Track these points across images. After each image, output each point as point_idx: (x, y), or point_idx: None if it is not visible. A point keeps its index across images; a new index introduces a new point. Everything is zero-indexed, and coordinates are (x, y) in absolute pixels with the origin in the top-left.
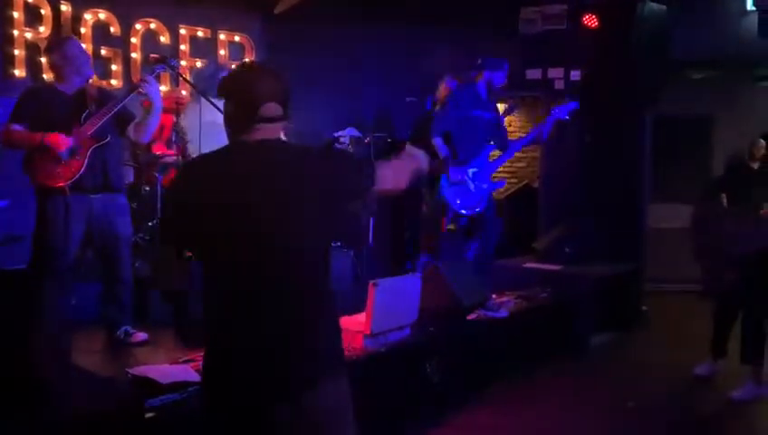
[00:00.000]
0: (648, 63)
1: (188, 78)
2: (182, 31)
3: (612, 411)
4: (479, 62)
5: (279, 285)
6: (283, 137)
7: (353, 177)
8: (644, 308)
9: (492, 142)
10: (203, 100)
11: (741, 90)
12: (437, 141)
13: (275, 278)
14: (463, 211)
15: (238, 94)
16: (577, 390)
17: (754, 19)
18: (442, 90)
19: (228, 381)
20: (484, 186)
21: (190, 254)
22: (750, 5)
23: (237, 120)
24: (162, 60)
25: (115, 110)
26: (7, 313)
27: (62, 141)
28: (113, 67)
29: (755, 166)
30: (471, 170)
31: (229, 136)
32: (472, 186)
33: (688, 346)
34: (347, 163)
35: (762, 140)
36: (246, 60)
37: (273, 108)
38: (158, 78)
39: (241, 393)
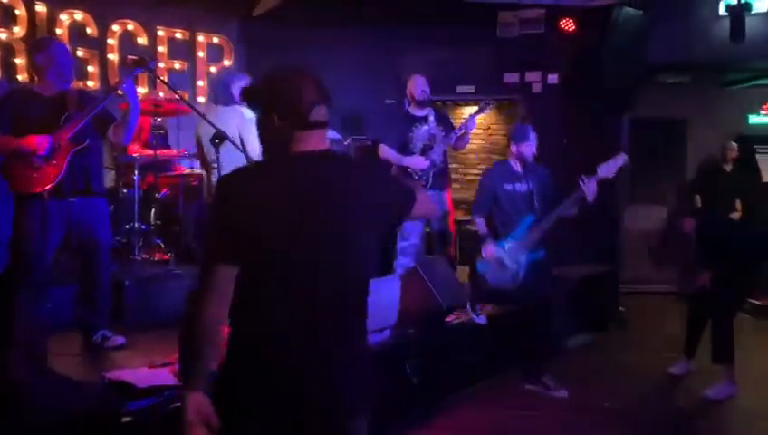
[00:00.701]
0: (624, 67)
1: (166, 79)
2: (160, 32)
3: (589, 412)
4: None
5: (335, 306)
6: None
7: (401, 196)
8: (621, 309)
9: (531, 214)
10: (219, 107)
11: (713, 93)
12: (478, 221)
13: (332, 298)
14: (500, 286)
15: (283, 99)
16: None
17: (726, 24)
18: (410, 87)
19: (274, 395)
20: (522, 259)
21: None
22: (722, 11)
23: (282, 130)
24: (140, 62)
25: (94, 112)
26: None
27: (39, 143)
28: (90, 69)
29: (728, 168)
30: (507, 245)
31: (271, 149)
32: (507, 260)
33: (664, 346)
34: (395, 182)
35: (733, 143)
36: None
37: (323, 111)
38: (135, 80)
39: (287, 408)
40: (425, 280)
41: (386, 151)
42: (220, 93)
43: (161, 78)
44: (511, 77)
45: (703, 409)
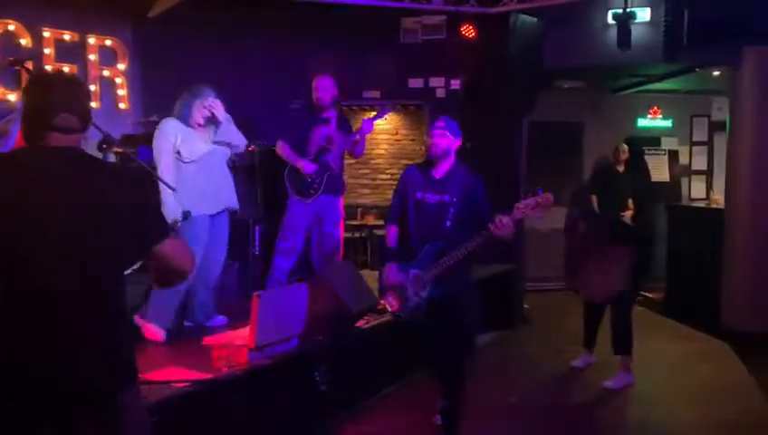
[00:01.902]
0: (522, 72)
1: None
2: (46, 33)
3: (496, 408)
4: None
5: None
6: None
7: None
8: (525, 307)
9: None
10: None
11: (606, 98)
12: (388, 230)
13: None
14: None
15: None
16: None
17: (615, 32)
18: (315, 88)
19: (32, 389)
20: (423, 293)
21: None
22: (610, 20)
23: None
24: (16, 61)
25: None
26: None
27: None
28: None
29: (620, 169)
30: (411, 271)
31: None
32: (409, 290)
33: (567, 341)
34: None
35: (624, 145)
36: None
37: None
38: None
39: (45, 400)
40: (333, 286)
41: (282, 149)
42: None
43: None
44: (415, 82)
45: (603, 398)
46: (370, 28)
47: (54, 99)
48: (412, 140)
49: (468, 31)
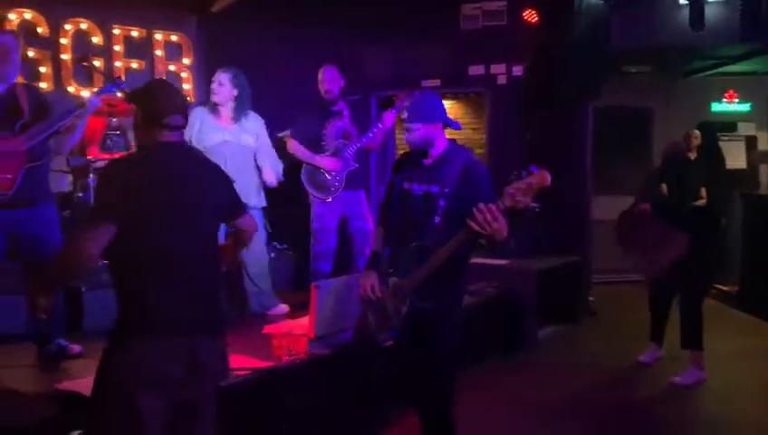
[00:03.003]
0: (587, 57)
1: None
2: (115, 31)
3: (560, 403)
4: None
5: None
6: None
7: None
8: (590, 299)
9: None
10: None
11: (676, 82)
12: (377, 231)
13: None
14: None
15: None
16: (524, 384)
17: (686, 12)
18: (319, 81)
19: (164, 321)
20: (403, 307)
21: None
22: None
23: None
24: (85, 58)
25: (55, 128)
26: None
27: None
28: (42, 69)
29: (692, 156)
30: (390, 281)
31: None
32: (388, 305)
33: (633, 335)
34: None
35: (696, 131)
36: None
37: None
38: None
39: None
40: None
41: (296, 149)
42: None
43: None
44: (476, 69)
45: (672, 395)
46: (429, 16)
47: (168, 103)
48: (473, 128)
49: (531, 15)
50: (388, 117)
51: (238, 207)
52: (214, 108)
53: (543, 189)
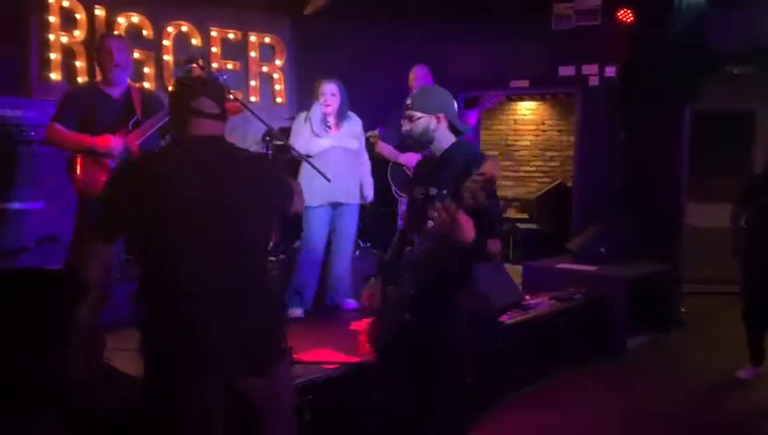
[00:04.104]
0: (685, 57)
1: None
2: (213, 33)
3: (646, 415)
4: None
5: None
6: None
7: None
8: (682, 310)
9: None
10: None
11: None
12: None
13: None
14: None
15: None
16: (611, 392)
17: None
18: (412, 78)
19: (192, 356)
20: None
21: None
22: None
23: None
24: (191, 60)
25: (163, 121)
26: (43, 311)
27: (113, 144)
28: (146, 70)
29: None
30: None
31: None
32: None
33: (728, 349)
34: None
35: None
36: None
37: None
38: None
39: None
40: (476, 279)
41: (383, 148)
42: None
43: (220, 71)
44: (566, 70)
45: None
46: (519, 15)
47: (191, 85)
48: (559, 130)
49: (626, 15)
50: (472, 116)
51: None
52: (322, 116)
53: (495, 179)
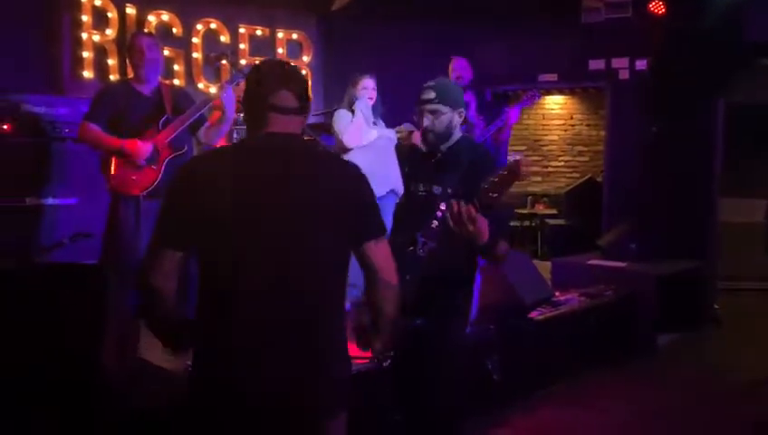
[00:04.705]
0: (719, 49)
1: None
2: (241, 30)
3: (678, 414)
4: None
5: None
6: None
7: (365, 219)
8: (715, 307)
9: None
10: None
11: None
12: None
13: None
14: None
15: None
16: (641, 390)
17: None
18: (450, 71)
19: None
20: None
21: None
22: None
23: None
24: (222, 56)
25: (192, 119)
26: (77, 307)
27: (142, 150)
28: (176, 67)
29: None
30: None
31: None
32: None
33: (764, 347)
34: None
35: None
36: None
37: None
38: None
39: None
40: (506, 276)
41: (417, 139)
42: None
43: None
44: (596, 64)
45: None
46: (547, 9)
47: (271, 76)
48: (588, 125)
49: (658, 7)
50: (514, 112)
51: (370, 228)
52: (359, 110)
53: (519, 180)
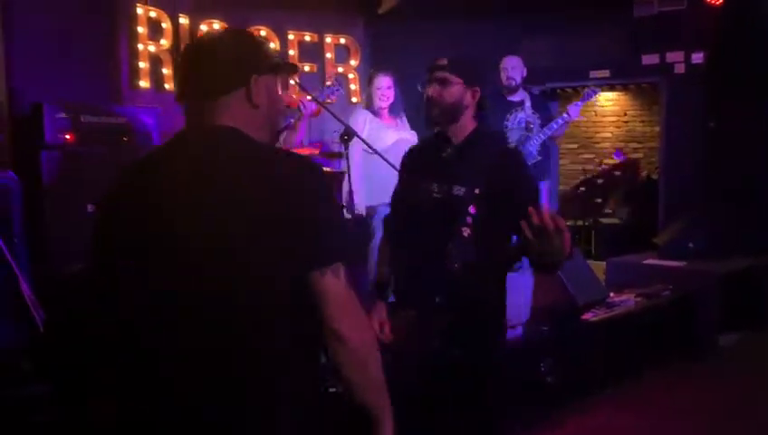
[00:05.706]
0: None
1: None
2: (290, 36)
3: (741, 416)
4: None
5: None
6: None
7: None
8: None
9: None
10: None
11: None
12: (383, 249)
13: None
14: None
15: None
16: (701, 393)
17: None
18: (501, 69)
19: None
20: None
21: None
22: None
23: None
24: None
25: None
26: None
27: None
28: None
29: None
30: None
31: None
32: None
33: None
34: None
35: None
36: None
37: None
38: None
39: None
40: (560, 276)
41: None
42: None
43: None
44: (650, 58)
45: None
46: (598, 3)
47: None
48: (642, 121)
49: None
50: (574, 109)
51: (314, 253)
52: (378, 110)
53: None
